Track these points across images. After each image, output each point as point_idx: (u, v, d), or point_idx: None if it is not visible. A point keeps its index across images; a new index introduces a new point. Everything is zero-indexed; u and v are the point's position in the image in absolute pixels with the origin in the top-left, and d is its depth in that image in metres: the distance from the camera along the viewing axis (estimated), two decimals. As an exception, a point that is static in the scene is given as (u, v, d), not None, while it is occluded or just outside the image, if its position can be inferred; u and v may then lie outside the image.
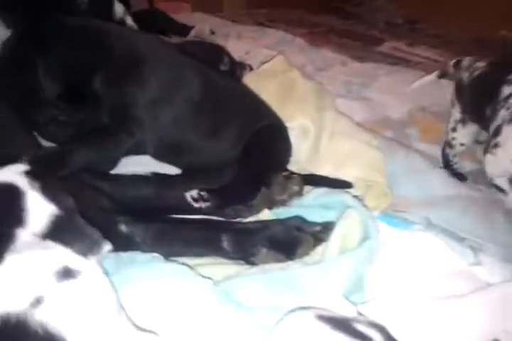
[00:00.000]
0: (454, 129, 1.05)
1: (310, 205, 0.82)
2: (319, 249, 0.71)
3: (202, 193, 0.78)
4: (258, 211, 0.83)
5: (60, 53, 0.81)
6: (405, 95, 1.30)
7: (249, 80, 1.12)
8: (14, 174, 0.50)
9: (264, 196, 0.83)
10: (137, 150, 0.87)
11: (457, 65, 1.08)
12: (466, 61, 1.06)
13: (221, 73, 1.15)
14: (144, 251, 0.70)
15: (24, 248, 0.44)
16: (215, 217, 0.81)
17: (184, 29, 1.74)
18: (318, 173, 0.91)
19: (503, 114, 0.88)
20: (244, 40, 1.72)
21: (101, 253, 0.50)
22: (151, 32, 1.55)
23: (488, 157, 0.88)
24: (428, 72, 1.34)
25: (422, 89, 1.25)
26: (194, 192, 0.79)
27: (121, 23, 1.27)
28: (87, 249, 0.48)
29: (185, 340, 0.53)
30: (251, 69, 1.30)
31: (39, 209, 0.48)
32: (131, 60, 0.85)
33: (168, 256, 0.70)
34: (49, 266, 0.43)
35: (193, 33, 1.71)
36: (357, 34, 2.05)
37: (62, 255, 0.45)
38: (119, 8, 1.28)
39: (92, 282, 0.45)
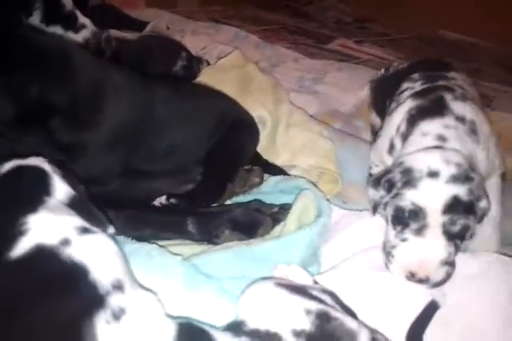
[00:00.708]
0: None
1: (269, 191, 0.88)
2: (278, 227, 0.77)
3: (171, 200, 0.83)
4: (221, 203, 0.87)
5: (21, 78, 0.74)
6: (352, 89, 1.39)
7: (207, 74, 1.17)
8: (40, 161, 0.60)
9: (227, 190, 0.88)
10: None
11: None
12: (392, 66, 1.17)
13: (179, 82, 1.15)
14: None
15: (53, 207, 0.53)
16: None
17: (139, 24, 1.75)
18: (274, 162, 0.98)
19: (392, 106, 0.95)
20: (199, 37, 1.76)
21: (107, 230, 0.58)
22: (105, 27, 1.58)
23: (372, 146, 0.94)
24: (375, 68, 1.44)
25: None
26: (163, 199, 0.83)
27: (71, 16, 1.23)
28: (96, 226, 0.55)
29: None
30: (208, 64, 1.34)
31: (60, 188, 0.57)
32: (93, 100, 0.79)
33: (138, 241, 0.74)
34: (72, 222, 0.52)
35: (148, 28, 1.72)
36: (308, 32, 2.14)
37: (80, 219, 0.53)
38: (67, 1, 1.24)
39: (106, 239, 0.52)
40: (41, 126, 0.77)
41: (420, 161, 0.72)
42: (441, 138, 0.77)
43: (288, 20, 2.33)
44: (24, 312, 0.45)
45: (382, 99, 1.06)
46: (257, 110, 1.04)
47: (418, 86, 0.94)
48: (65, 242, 0.50)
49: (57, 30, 1.13)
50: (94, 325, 0.44)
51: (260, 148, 1.01)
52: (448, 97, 0.84)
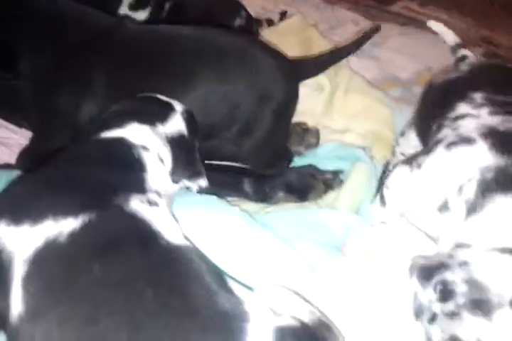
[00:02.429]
0: (401, 133, 0.93)
1: (324, 156, 0.90)
2: (332, 194, 0.80)
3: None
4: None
5: None
6: (414, 55, 1.35)
7: (269, 36, 1.17)
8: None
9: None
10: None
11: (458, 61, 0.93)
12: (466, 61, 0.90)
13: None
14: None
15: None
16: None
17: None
18: (331, 126, 0.99)
19: (443, 134, 0.69)
20: (261, -4, 1.73)
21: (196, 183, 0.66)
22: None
23: (402, 169, 0.69)
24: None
25: (431, 51, 1.30)
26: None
27: None
28: (188, 175, 0.64)
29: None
30: (270, 24, 1.33)
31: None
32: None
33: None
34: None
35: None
36: (371, -8, 2.04)
37: None
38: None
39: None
40: None
41: (501, 278, 0.49)
42: None
43: (350, -21, 2.23)
44: None
45: (427, 116, 0.81)
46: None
47: (486, 115, 0.67)
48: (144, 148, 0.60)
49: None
50: None
51: (317, 113, 1.02)
52: None
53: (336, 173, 0.84)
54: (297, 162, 0.90)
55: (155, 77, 0.78)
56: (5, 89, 0.84)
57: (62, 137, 0.80)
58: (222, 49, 0.81)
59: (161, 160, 0.61)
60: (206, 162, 0.87)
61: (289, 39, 1.15)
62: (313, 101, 1.03)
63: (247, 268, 0.62)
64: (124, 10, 1.26)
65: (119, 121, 0.62)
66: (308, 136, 0.93)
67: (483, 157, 0.59)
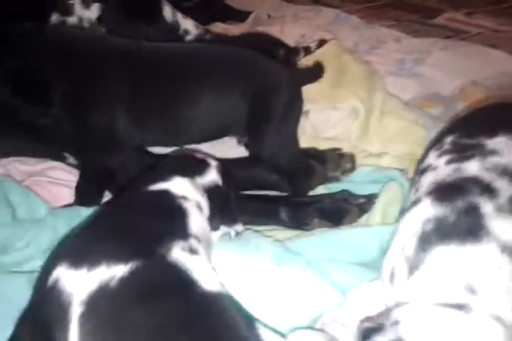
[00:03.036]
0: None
1: (360, 181, 0.92)
2: (364, 217, 0.82)
3: None
4: (313, 187, 0.94)
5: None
6: (457, 70, 1.33)
7: (306, 64, 1.21)
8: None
9: (319, 173, 0.94)
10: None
11: None
12: None
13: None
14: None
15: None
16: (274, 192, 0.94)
17: (242, 15, 1.84)
18: (367, 150, 1.01)
19: (411, 191, 0.67)
20: (300, 22, 1.78)
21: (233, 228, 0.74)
22: (210, 21, 1.68)
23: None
24: (486, 43, 1.34)
25: (475, 63, 1.28)
26: None
27: (173, 26, 1.31)
28: (225, 221, 0.72)
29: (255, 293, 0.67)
30: (308, 52, 1.37)
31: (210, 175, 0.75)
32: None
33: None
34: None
35: (250, 18, 1.80)
36: (413, 6, 2.03)
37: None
38: (167, 13, 1.31)
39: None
40: None
41: (428, 334, 0.46)
42: (470, 288, 0.48)
43: (392, -6, 2.23)
44: None
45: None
46: (350, 100, 1.07)
47: (442, 166, 0.63)
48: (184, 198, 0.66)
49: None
50: None
51: (353, 138, 1.04)
52: (486, 209, 0.53)
53: (370, 197, 0.86)
54: (333, 187, 0.93)
55: (173, 89, 0.88)
56: (43, 127, 0.93)
57: (106, 158, 0.90)
58: (221, 59, 0.93)
59: (200, 209, 0.68)
60: (244, 192, 0.93)
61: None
62: (348, 127, 1.06)
63: (279, 312, 0.65)
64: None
65: (164, 175, 0.71)
66: (344, 161, 0.96)
67: (424, 211, 0.56)
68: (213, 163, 0.77)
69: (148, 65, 0.90)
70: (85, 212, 0.85)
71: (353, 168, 0.96)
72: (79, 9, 1.16)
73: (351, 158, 0.96)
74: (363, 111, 1.06)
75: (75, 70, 0.87)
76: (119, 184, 0.89)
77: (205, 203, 0.70)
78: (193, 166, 0.75)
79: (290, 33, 1.59)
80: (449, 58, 1.44)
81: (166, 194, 0.67)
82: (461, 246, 0.51)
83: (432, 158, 0.67)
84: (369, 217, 0.81)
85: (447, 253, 0.51)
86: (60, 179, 0.93)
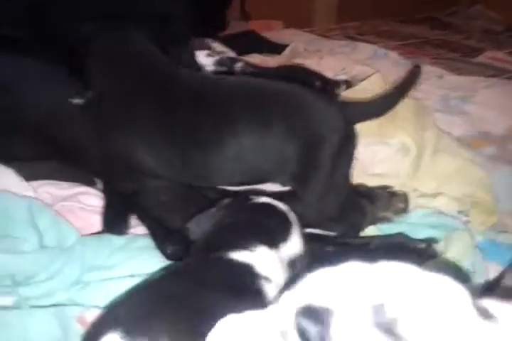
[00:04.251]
0: None
1: (415, 223, 0.84)
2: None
3: None
4: (363, 227, 0.86)
5: None
6: (506, 108, 1.27)
7: (349, 98, 1.16)
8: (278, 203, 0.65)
9: (369, 212, 0.86)
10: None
11: None
12: None
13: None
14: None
15: None
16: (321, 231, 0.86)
17: (279, 47, 1.83)
18: (419, 189, 0.93)
19: None
20: (337, 56, 1.76)
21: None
22: (247, 52, 1.67)
23: None
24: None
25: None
26: None
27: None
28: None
29: None
30: (348, 84, 1.33)
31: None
32: None
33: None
34: None
35: (287, 51, 1.78)
36: (453, 44, 2.01)
37: None
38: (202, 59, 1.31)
39: None
40: None
41: None
42: None
43: (429, 32, 2.22)
44: None
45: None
46: (399, 136, 1.01)
47: None
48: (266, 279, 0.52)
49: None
50: None
51: (403, 175, 0.97)
52: None
53: (430, 242, 0.78)
54: (386, 229, 0.85)
55: (203, 122, 0.77)
56: (72, 148, 0.90)
57: (123, 185, 0.84)
58: (266, 94, 0.79)
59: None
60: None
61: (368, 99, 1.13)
62: (397, 163, 0.99)
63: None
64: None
65: (246, 240, 0.56)
66: (396, 200, 0.89)
67: None
68: (293, 218, 0.61)
69: (179, 95, 0.80)
70: (116, 240, 0.79)
71: (406, 209, 0.88)
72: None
73: (404, 198, 0.89)
74: (414, 147, 1.00)
75: (114, 86, 0.82)
76: (149, 213, 0.84)
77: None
78: (276, 227, 0.59)
79: (328, 66, 1.56)
80: (496, 96, 1.38)
81: (248, 271, 0.52)
82: None
83: None
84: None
85: None
86: (92, 205, 0.87)
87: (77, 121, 0.90)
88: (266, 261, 0.54)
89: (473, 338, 0.41)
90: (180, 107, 0.78)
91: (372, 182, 0.95)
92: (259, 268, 0.53)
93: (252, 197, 0.66)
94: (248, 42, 1.81)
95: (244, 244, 0.55)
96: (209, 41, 1.46)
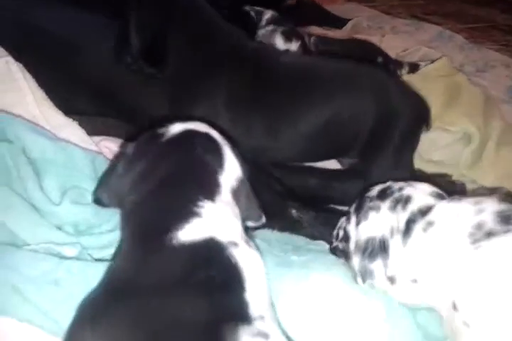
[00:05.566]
0: None
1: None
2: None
3: None
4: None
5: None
6: None
7: (414, 81, 1.12)
8: (208, 128, 0.57)
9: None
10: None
11: None
12: None
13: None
14: (308, 235, 0.78)
15: (226, 201, 0.52)
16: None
17: (340, 22, 1.77)
18: (478, 181, 0.91)
19: None
20: (400, 35, 1.70)
21: (258, 223, 0.60)
22: (306, 23, 1.63)
23: None
24: None
25: None
26: None
27: None
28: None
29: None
30: (413, 68, 1.28)
31: (231, 165, 0.55)
32: None
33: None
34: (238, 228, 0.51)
35: (349, 25, 1.73)
36: (524, 32, 1.90)
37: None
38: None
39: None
40: None
41: None
42: None
43: (499, 16, 2.10)
44: None
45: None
46: (463, 124, 0.97)
47: None
48: (233, 244, 0.47)
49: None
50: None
51: (462, 165, 0.95)
52: None
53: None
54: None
55: (289, 98, 0.83)
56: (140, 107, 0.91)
57: None
58: (353, 73, 0.88)
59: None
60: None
61: (434, 85, 1.10)
62: (457, 152, 0.96)
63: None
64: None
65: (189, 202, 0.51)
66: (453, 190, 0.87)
67: None
68: (219, 140, 0.56)
69: (267, 69, 0.86)
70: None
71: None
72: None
73: (462, 188, 0.87)
74: (477, 137, 0.96)
75: (192, 54, 0.83)
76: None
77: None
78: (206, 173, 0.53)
79: (390, 45, 1.50)
80: None
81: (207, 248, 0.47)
82: None
83: None
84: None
85: None
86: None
87: (137, 80, 0.91)
88: (219, 220, 0.49)
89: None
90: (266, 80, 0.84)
91: (429, 168, 0.93)
92: (219, 236, 0.47)
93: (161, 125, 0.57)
94: (308, 14, 1.76)
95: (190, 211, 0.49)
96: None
